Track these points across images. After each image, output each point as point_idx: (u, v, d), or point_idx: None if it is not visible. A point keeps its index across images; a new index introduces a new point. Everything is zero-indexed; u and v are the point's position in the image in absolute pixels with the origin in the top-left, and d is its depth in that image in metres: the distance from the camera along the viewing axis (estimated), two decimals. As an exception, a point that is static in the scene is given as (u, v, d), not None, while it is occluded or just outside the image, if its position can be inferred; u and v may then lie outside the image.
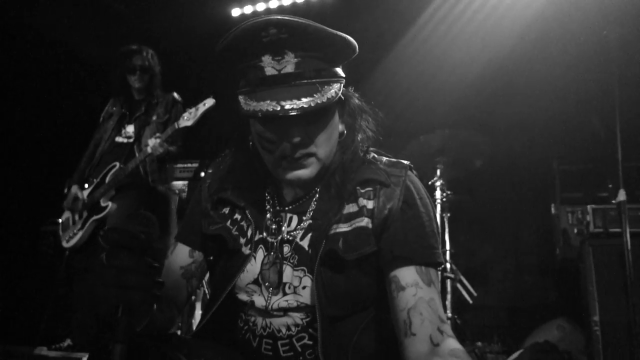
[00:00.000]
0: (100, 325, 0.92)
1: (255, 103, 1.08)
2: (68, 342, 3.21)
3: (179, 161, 3.64)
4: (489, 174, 3.95)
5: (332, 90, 1.12)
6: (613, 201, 2.69)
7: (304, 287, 1.17)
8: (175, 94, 3.50)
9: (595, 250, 2.70)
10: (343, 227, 1.17)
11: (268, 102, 1.06)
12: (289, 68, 1.09)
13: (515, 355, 3.00)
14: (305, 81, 1.10)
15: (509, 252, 4.23)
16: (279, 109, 1.05)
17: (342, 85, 1.17)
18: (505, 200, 4.21)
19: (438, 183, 3.52)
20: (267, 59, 1.09)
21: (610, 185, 3.22)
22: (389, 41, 4.16)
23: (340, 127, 1.25)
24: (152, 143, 3.11)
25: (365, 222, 1.17)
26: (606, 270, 2.65)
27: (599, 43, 2.88)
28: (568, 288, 3.30)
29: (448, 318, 3.15)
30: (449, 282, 3.27)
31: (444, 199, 3.49)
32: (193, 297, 3.14)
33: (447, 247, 3.41)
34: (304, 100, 1.07)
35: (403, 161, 1.29)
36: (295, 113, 1.05)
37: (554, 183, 3.74)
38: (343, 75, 1.20)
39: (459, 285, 3.34)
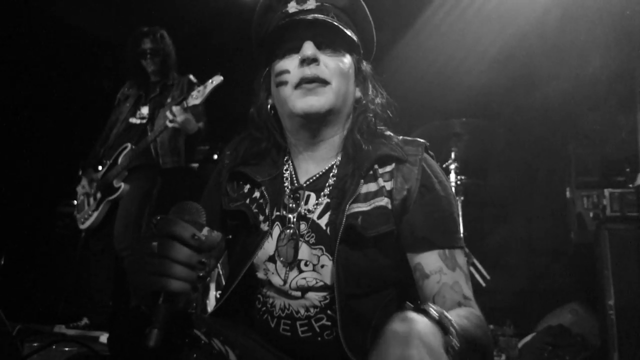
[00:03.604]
0: (145, 306, 0.94)
1: (278, 27, 1.21)
2: (85, 320, 3.28)
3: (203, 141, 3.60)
4: (504, 157, 3.91)
5: (350, 33, 1.23)
6: (630, 185, 2.66)
7: (322, 266, 1.17)
8: (191, 76, 3.47)
9: (611, 235, 2.68)
10: (362, 207, 1.17)
11: (290, 19, 1.19)
12: (311, 5, 1.23)
13: (528, 338, 3.00)
14: (325, 17, 1.20)
15: (523, 236, 4.20)
16: (300, 17, 1.19)
17: (357, 41, 1.26)
18: (519, 184, 4.17)
19: (452, 166, 3.49)
20: (292, 4, 1.24)
21: (627, 169, 3.17)
22: (404, 24, 4.09)
23: (358, 93, 1.29)
24: (175, 109, 3.05)
25: (385, 201, 1.17)
26: (622, 254, 2.62)
27: (620, 24, 2.81)
28: (582, 272, 3.28)
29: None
30: (462, 265, 3.26)
31: (458, 182, 3.47)
32: (207, 278, 3.17)
33: (461, 230, 3.39)
34: (324, 17, 1.19)
35: (419, 139, 1.28)
36: (315, 18, 1.18)
37: (569, 167, 3.69)
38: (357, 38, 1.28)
39: (472, 269, 3.33)
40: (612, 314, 2.55)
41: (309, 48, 1.17)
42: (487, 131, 3.48)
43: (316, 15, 1.19)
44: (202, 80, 3.11)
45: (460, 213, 3.43)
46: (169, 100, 3.35)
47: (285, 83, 1.20)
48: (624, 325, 2.52)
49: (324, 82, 1.18)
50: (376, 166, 1.21)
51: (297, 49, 1.19)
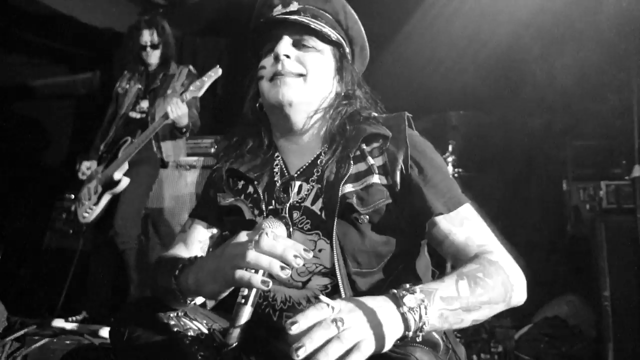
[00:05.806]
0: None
1: (257, 25, 1.32)
2: (84, 314, 3.28)
3: (194, 135, 3.60)
4: (501, 150, 3.92)
5: (328, 31, 1.32)
6: (627, 177, 2.67)
7: (320, 250, 1.19)
8: (191, 67, 3.44)
9: (607, 227, 2.70)
10: (355, 186, 1.21)
11: (266, 19, 1.30)
12: (294, 8, 1.32)
13: (525, 329, 3.03)
14: (300, 17, 1.29)
15: (519, 228, 4.21)
16: (276, 17, 1.29)
17: (341, 38, 1.36)
18: (516, 177, 4.18)
19: (450, 159, 3.50)
20: (277, 9, 1.34)
21: (624, 161, 3.19)
22: (401, 17, 4.09)
23: (339, 88, 1.36)
24: (173, 101, 3.03)
25: (376, 178, 1.21)
26: (618, 246, 2.65)
27: (618, 15, 2.82)
28: (578, 264, 3.30)
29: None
30: (459, 257, 3.28)
31: (455, 175, 3.47)
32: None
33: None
34: (297, 17, 1.29)
35: (401, 113, 1.33)
36: (292, 19, 1.27)
37: (565, 159, 3.70)
38: (341, 38, 1.37)
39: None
40: (607, 305, 2.58)
41: (281, 45, 1.28)
42: (484, 124, 3.50)
43: (294, 16, 1.28)
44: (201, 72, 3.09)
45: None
46: (169, 91, 3.32)
47: (262, 78, 1.31)
48: (619, 316, 2.55)
49: (297, 75, 1.26)
50: (363, 145, 1.26)
51: (276, 39, 1.30)
